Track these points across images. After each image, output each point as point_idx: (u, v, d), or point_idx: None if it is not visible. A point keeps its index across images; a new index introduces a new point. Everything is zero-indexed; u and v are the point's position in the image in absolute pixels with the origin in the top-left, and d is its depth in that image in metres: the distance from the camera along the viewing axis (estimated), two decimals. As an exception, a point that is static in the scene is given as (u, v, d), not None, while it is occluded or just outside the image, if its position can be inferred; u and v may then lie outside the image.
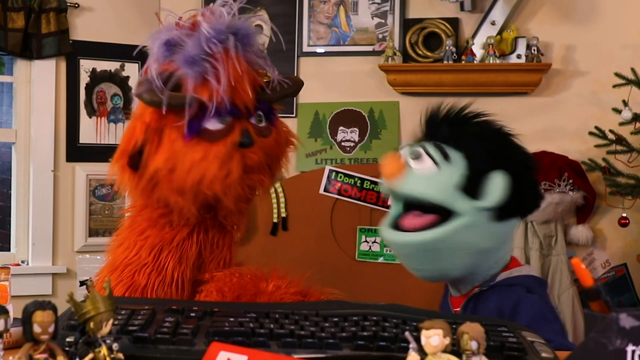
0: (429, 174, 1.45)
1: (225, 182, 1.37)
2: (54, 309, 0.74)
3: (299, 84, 1.52)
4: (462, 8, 2.99)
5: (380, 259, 2.92)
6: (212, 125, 1.37)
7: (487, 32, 2.92)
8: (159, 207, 1.44)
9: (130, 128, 1.43)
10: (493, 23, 2.93)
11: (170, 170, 1.37)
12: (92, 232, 3.04)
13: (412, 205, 1.48)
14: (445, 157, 1.45)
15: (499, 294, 1.47)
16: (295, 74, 3.13)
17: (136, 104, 1.47)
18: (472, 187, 1.43)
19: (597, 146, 2.77)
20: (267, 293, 1.36)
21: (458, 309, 1.52)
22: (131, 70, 3.13)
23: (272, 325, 0.89)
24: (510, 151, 1.49)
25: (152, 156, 1.38)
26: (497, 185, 1.43)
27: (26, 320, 0.73)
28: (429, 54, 2.99)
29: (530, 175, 1.52)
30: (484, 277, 1.51)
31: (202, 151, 1.36)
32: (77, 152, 3.02)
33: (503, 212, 1.45)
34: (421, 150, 1.47)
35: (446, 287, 1.61)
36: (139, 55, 1.53)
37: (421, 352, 0.73)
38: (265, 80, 1.46)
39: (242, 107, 1.37)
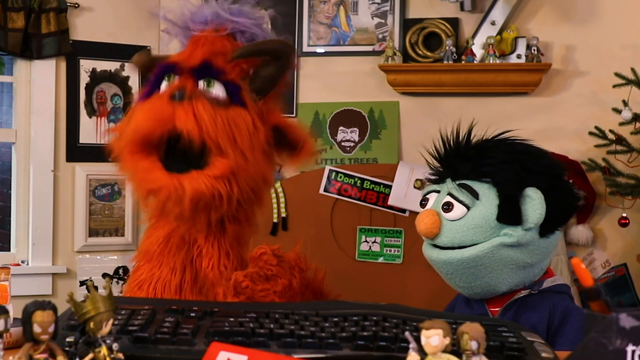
0: (464, 221, 1.45)
1: (149, 126, 1.44)
2: (54, 309, 0.74)
3: (275, 44, 1.57)
4: (462, 8, 2.99)
5: (380, 259, 2.91)
6: (164, 86, 1.51)
7: (487, 32, 2.91)
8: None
9: None
10: (493, 23, 2.93)
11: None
12: (92, 232, 3.04)
13: None
14: (474, 195, 1.45)
15: (549, 300, 1.49)
16: (295, 74, 3.13)
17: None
18: (511, 212, 1.42)
19: (597, 146, 2.77)
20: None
21: (496, 309, 1.52)
22: (131, 70, 3.12)
23: (272, 325, 0.89)
24: (535, 165, 1.47)
25: None
26: (533, 205, 1.42)
27: (26, 320, 0.73)
28: (429, 54, 2.98)
29: (562, 182, 1.51)
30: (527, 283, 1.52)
31: (142, 108, 1.49)
32: (77, 152, 3.01)
33: (546, 227, 1.45)
34: (450, 199, 1.46)
35: None
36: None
37: (421, 352, 0.73)
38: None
39: (185, 67, 1.50)
